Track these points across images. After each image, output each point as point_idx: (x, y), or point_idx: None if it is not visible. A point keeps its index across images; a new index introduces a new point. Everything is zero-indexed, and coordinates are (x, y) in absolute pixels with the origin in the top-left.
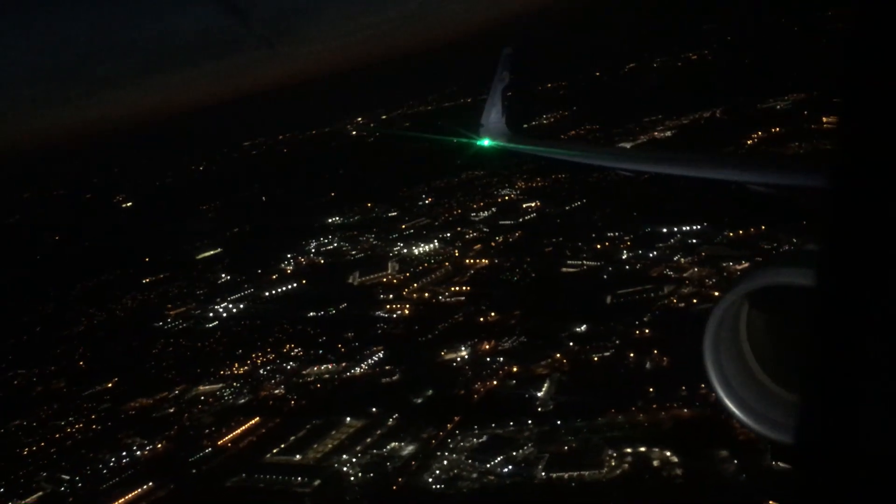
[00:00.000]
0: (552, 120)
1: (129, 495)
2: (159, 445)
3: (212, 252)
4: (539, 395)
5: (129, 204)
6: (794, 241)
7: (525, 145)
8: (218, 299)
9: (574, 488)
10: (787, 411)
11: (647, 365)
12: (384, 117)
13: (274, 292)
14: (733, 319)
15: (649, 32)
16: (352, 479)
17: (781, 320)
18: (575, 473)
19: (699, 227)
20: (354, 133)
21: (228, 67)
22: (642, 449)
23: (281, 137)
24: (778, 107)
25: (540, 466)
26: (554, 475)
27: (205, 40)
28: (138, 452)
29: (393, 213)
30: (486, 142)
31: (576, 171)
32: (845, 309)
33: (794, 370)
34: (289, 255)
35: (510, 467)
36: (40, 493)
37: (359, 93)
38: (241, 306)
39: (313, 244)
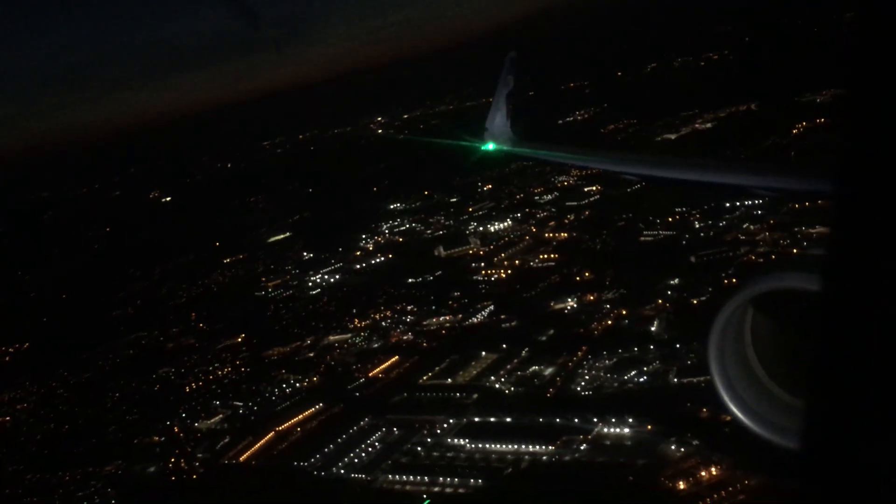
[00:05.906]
0: (586, 116)
1: (305, 413)
2: (314, 379)
3: (281, 236)
4: (653, 329)
5: (167, 199)
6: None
7: (530, 149)
8: (311, 272)
9: (705, 388)
10: (792, 416)
11: None
12: (405, 116)
13: (364, 265)
14: (738, 323)
15: (663, 35)
16: (506, 392)
17: (786, 325)
18: (703, 378)
19: (761, 200)
20: (380, 131)
21: (238, 70)
22: None
23: (301, 137)
24: (818, 100)
25: (671, 375)
26: (685, 381)
27: (214, 43)
28: (297, 385)
29: (454, 199)
30: (490, 146)
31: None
32: (850, 314)
33: (798, 374)
34: (364, 236)
35: (645, 378)
36: (220, 416)
37: (373, 94)
38: (337, 276)
39: (385, 226)
